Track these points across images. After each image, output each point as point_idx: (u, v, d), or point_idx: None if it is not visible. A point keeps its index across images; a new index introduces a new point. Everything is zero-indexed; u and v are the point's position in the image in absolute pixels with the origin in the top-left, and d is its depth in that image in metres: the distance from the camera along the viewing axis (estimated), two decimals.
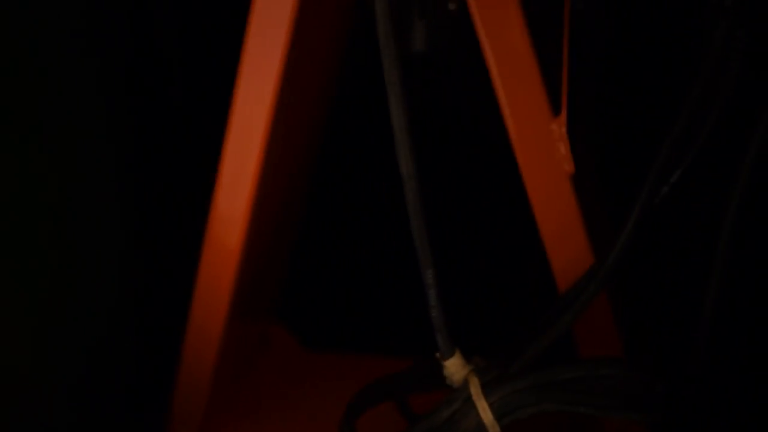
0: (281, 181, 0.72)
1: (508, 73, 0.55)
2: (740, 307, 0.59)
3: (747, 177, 0.46)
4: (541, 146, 0.56)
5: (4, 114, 0.55)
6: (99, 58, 0.69)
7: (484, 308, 0.84)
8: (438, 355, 0.55)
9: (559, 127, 0.55)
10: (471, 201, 0.85)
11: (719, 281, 0.49)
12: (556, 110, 0.56)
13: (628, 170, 0.58)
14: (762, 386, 0.57)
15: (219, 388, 0.74)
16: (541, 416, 0.54)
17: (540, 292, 0.63)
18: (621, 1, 0.66)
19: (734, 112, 0.46)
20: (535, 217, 0.58)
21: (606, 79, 0.69)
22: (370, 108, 0.63)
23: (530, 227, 0.58)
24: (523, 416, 0.53)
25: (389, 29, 0.49)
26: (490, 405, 0.53)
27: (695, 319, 0.50)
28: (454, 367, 0.55)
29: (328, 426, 0.63)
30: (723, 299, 0.50)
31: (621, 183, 0.59)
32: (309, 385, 0.84)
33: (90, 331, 0.69)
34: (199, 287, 0.68)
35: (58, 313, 0.64)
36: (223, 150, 0.61)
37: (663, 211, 0.52)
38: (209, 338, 0.69)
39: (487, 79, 0.56)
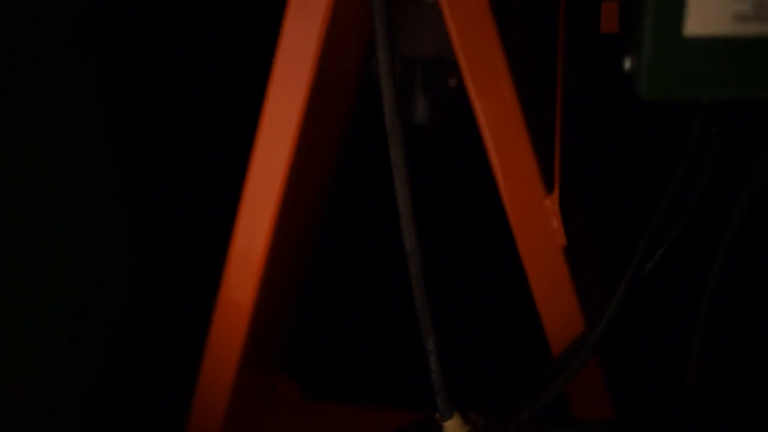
0: (293, 236, 0.76)
1: (503, 152, 0.59)
2: (723, 374, 0.63)
3: (725, 255, 0.50)
4: (535, 221, 0.60)
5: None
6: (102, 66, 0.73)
7: (483, 368, 0.88)
8: (437, 416, 0.59)
9: (552, 203, 0.59)
10: (470, 269, 0.89)
11: (700, 351, 0.53)
12: (549, 187, 0.60)
13: (620, 240, 0.62)
14: None
15: None
16: None
17: (534, 355, 0.66)
18: (610, 79, 0.71)
19: (711, 199, 0.50)
20: (530, 286, 0.62)
21: (599, 156, 0.74)
22: (377, 175, 0.67)
23: (525, 295, 0.62)
24: None
25: (396, 113, 0.53)
26: None
27: (679, 387, 0.54)
28: (453, 428, 0.58)
29: None
30: (705, 367, 0.54)
31: (615, 252, 0.63)
32: None
33: (96, 378, 0.73)
34: (211, 341, 0.71)
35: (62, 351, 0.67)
36: (240, 207, 0.65)
37: (649, 284, 0.56)
38: (220, 391, 0.72)
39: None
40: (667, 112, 0.64)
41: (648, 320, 0.71)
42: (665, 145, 0.61)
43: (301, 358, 0.94)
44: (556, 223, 0.60)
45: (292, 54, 0.61)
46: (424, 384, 0.60)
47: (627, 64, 0.40)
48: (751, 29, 0.35)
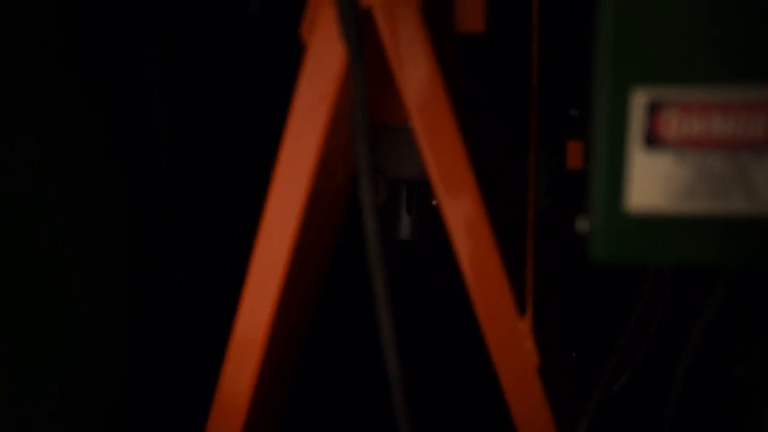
0: (285, 343, 0.79)
1: (477, 277, 0.64)
2: None
3: (680, 382, 0.54)
4: (510, 342, 0.64)
5: None
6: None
7: None
8: None
9: (525, 326, 0.64)
10: (450, 384, 0.93)
11: None
12: (522, 310, 0.64)
13: (591, 359, 0.66)
14: None
15: None
16: None
17: None
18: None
19: (666, 336, 0.55)
20: (507, 402, 0.65)
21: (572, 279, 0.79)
22: (364, 292, 0.71)
23: (502, 409, 0.66)
24: None
25: (379, 252, 0.58)
26: None
27: None
28: None
29: None
30: None
31: (586, 371, 0.66)
32: None
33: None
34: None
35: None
36: (237, 315, 0.69)
37: (615, 404, 0.60)
38: None
39: None
40: None
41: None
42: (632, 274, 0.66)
43: None
44: (529, 344, 0.64)
45: (289, 173, 0.66)
46: None
47: (580, 225, 0.45)
48: (686, 207, 0.40)
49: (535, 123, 0.73)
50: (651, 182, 0.40)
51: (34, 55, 0.67)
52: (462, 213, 0.65)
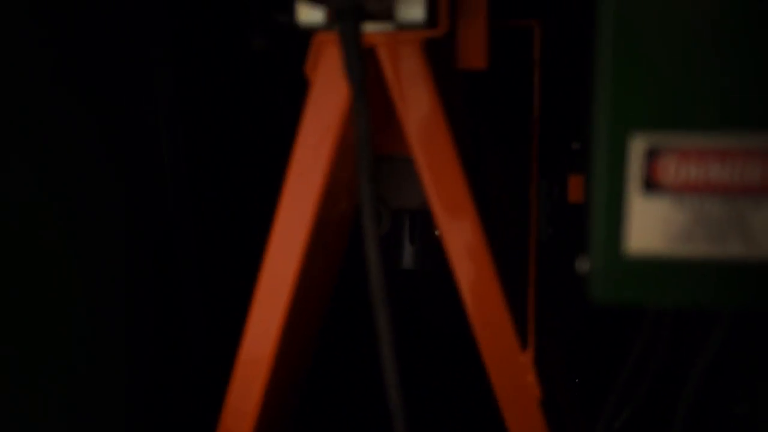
0: (288, 375, 0.80)
1: (480, 312, 0.64)
2: None
3: (681, 422, 0.54)
4: (512, 375, 0.64)
5: None
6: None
7: None
8: None
9: (527, 359, 0.64)
10: (452, 416, 0.93)
11: None
12: (524, 344, 0.64)
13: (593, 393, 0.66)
14: None
15: None
16: None
17: None
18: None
19: (668, 372, 0.55)
20: None
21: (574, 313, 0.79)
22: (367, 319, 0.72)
23: None
24: None
25: (382, 283, 0.59)
26: None
27: None
28: None
29: None
30: None
31: (588, 405, 0.66)
32: None
33: None
34: None
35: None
36: (242, 343, 0.69)
37: None
38: None
39: None
40: None
41: None
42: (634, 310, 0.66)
43: None
44: (531, 377, 0.64)
45: (294, 204, 0.67)
46: None
47: (579, 265, 0.45)
48: (684, 250, 0.40)
49: (537, 155, 0.74)
50: (649, 226, 0.40)
51: (36, 57, 0.68)
52: (463, 245, 0.65)
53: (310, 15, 0.59)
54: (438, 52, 0.64)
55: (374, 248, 0.59)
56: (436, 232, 0.82)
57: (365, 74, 0.55)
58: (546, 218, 0.77)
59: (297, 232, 0.67)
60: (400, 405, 0.59)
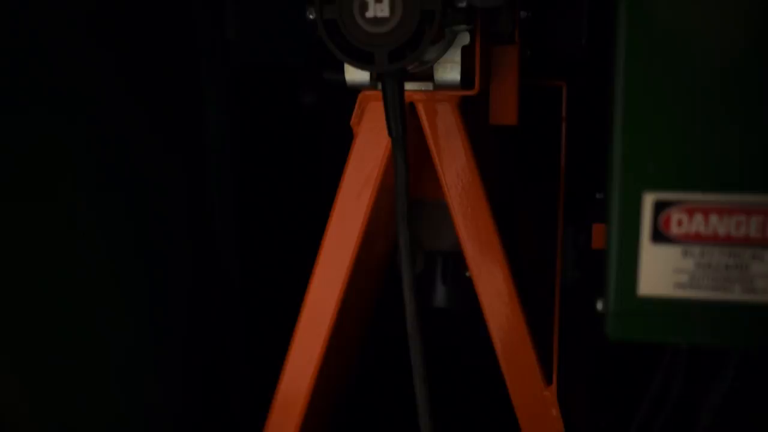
0: (326, 404, 0.84)
1: (506, 349, 0.69)
2: None
3: None
4: (536, 410, 0.68)
5: None
6: None
7: None
8: None
9: (551, 394, 0.68)
10: None
11: None
12: (548, 379, 0.69)
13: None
14: None
15: None
16: None
17: None
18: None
19: (684, 405, 0.59)
20: None
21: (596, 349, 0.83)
22: (399, 358, 0.76)
23: None
24: None
25: (417, 322, 0.64)
26: None
27: None
28: None
29: None
30: None
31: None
32: None
33: None
34: None
35: None
36: (282, 373, 0.74)
37: None
38: None
39: None
40: None
41: None
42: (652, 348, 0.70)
43: None
44: (555, 412, 0.68)
45: (335, 246, 0.72)
46: None
47: (599, 306, 0.50)
48: (688, 294, 0.45)
49: (563, 203, 0.79)
50: (660, 272, 0.45)
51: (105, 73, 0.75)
52: (492, 286, 0.70)
53: (357, 74, 0.66)
54: (472, 108, 0.70)
55: (410, 288, 0.65)
56: (467, 273, 0.87)
57: (405, 131, 0.61)
58: (572, 263, 0.82)
59: (337, 270, 0.73)
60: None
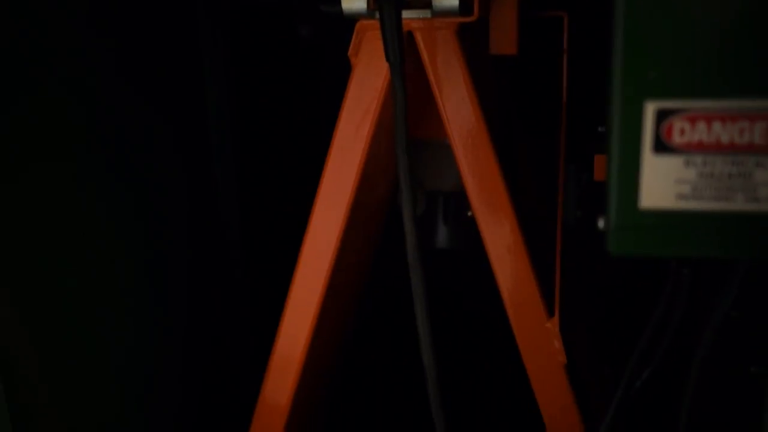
0: (326, 345, 0.84)
1: (509, 281, 0.69)
2: None
3: (696, 372, 0.57)
4: (538, 342, 0.68)
5: None
6: None
7: None
8: None
9: (553, 326, 0.68)
10: (483, 382, 0.97)
11: None
12: (551, 312, 0.69)
13: (615, 358, 0.70)
14: None
15: None
16: None
17: None
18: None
19: (686, 329, 0.59)
20: (536, 399, 0.69)
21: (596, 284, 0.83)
22: (401, 306, 0.76)
23: (532, 406, 0.70)
24: None
25: (418, 250, 0.63)
26: None
27: None
28: None
29: None
30: None
31: (611, 368, 0.70)
32: None
33: None
34: None
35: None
36: (283, 315, 0.74)
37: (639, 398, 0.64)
38: None
39: None
40: None
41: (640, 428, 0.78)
42: (651, 280, 0.69)
43: None
44: (557, 343, 0.68)
45: (335, 180, 0.72)
46: None
47: (600, 223, 0.49)
48: (690, 205, 0.44)
49: (565, 139, 0.78)
50: (661, 183, 0.44)
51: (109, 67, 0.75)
52: (495, 222, 0.70)
53: (353, 3, 0.64)
54: (472, 37, 0.68)
55: (410, 217, 0.64)
56: (469, 213, 0.86)
57: (403, 55, 0.60)
58: (574, 201, 0.81)
59: (337, 208, 0.72)
60: (433, 366, 0.64)
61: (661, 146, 0.44)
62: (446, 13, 0.63)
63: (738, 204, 0.44)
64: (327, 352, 0.87)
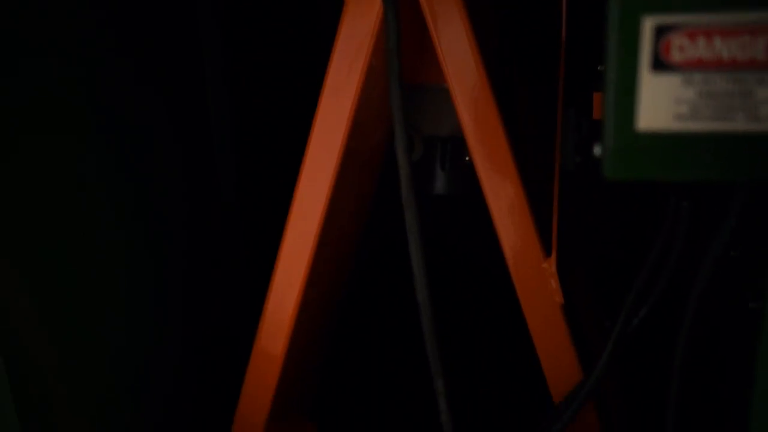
0: (321, 297, 0.84)
1: (507, 224, 0.68)
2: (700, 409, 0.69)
3: (693, 312, 0.57)
4: (535, 282, 0.67)
5: None
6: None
7: (489, 416, 0.94)
8: None
9: (550, 266, 0.67)
10: (478, 325, 0.96)
11: (677, 393, 0.59)
12: (548, 251, 0.68)
13: (612, 298, 0.69)
14: None
15: None
16: None
17: (537, 403, 0.73)
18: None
19: (687, 264, 0.58)
20: (533, 339, 0.69)
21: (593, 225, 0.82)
22: (395, 245, 0.75)
23: (529, 348, 0.69)
24: None
25: (411, 186, 0.62)
26: None
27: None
28: None
29: None
30: (683, 405, 0.60)
31: (607, 308, 0.70)
32: None
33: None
34: (245, 389, 0.79)
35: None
36: (276, 263, 0.74)
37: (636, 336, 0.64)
38: None
39: None
40: (649, 192, 0.73)
41: (637, 367, 0.77)
42: (648, 219, 0.69)
43: (328, 412, 1.01)
44: (554, 283, 0.67)
45: (326, 131, 0.70)
46: None
47: (596, 150, 0.48)
48: (689, 126, 0.43)
49: (563, 81, 0.77)
50: (660, 103, 0.43)
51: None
52: (494, 166, 0.69)
53: None
54: None
55: (405, 162, 0.63)
56: (466, 159, 0.85)
57: None
58: (572, 146, 0.80)
59: (330, 150, 0.70)
60: (427, 303, 0.63)
61: (660, 64, 0.43)
62: None
63: (738, 124, 0.43)
64: (322, 302, 0.86)
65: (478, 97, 0.68)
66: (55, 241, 0.67)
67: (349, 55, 0.68)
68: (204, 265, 0.94)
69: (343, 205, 0.77)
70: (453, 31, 0.66)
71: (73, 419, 0.69)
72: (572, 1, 0.75)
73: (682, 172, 0.44)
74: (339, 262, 0.88)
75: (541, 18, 0.82)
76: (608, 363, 0.63)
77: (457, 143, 0.83)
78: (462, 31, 0.65)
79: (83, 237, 0.71)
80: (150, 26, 0.82)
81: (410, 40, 0.66)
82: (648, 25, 0.42)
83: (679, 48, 0.42)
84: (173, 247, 0.86)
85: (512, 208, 0.68)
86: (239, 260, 1.00)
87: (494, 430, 0.82)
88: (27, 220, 0.63)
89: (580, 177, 0.77)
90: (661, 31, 0.42)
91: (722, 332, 0.66)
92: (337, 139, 0.70)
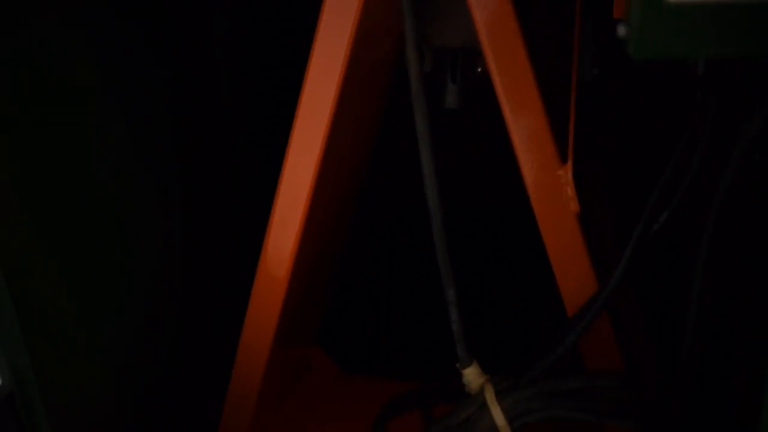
0: (325, 221, 0.82)
1: (522, 129, 0.65)
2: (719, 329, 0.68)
3: (717, 215, 0.54)
4: (550, 189, 0.65)
5: None
6: None
7: (502, 331, 0.93)
8: (458, 365, 0.64)
9: (566, 173, 0.65)
10: (491, 236, 0.94)
11: (697, 307, 0.57)
12: (563, 158, 0.65)
13: (630, 206, 0.66)
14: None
15: (264, 406, 0.83)
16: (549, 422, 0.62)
17: (551, 316, 0.72)
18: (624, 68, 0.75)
19: (709, 166, 0.55)
20: (547, 250, 0.67)
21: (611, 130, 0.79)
22: (405, 157, 0.73)
23: (542, 259, 0.67)
24: (531, 420, 0.62)
25: (421, 87, 0.60)
26: (503, 409, 0.62)
27: (680, 343, 0.58)
28: (472, 375, 0.63)
29: None
30: (702, 324, 0.58)
31: (625, 216, 0.67)
32: (346, 405, 0.93)
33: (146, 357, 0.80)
34: (249, 315, 0.77)
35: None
36: (277, 191, 0.72)
37: (656, 245, 0.61)
38: (257, 361, 0.78)
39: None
40: (672, 89, 0.69)
41: (655, 278, 0.75)
42: (670, 120, 0.66)
43: (334, 335, 1.00)
44: (570, 191, 0.65)
45: (327, 49, 0.67)
46: (448, 360, 0.66)
47: (621, 31, 0.45)
48: None
49: None
50: None
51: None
52: (510, 75, 0.65)
53: None
54: None
55: (417, 78, 0.60)
56: (479, 70, 0.82)
57: None
58: (590, 57, 0.76)
59: (334, 62, 0.67)
60: (438, 209, 0.61)
61: None
62: None
63: None
64: (327, 226, 0.84)
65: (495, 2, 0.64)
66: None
67: None
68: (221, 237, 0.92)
69: (348, 122, 0.74)
70: None
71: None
72: None
73: (714, 48, 0.41)
74: (344, 186, 0.85)
75: None
76: (626, 271, 0.61)
77: (470, 54, 0.80)
78: None
79: (83, 236, 0.69)
80: (162, 24, 0.79)
81: None
82: None
83: None
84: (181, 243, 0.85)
85: (528, 115, 0.65)
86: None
87: (506, 343, 0.80)
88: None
89: (598, 89, 0.73)
90: None
91: (743, 242, 0.64)
92: (341, 46, 0.67)
